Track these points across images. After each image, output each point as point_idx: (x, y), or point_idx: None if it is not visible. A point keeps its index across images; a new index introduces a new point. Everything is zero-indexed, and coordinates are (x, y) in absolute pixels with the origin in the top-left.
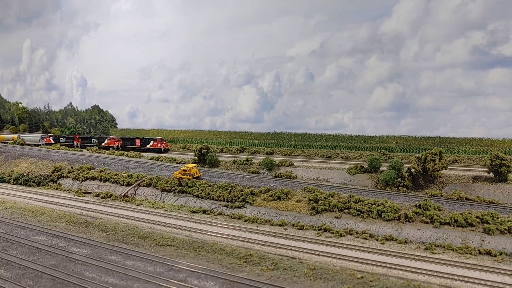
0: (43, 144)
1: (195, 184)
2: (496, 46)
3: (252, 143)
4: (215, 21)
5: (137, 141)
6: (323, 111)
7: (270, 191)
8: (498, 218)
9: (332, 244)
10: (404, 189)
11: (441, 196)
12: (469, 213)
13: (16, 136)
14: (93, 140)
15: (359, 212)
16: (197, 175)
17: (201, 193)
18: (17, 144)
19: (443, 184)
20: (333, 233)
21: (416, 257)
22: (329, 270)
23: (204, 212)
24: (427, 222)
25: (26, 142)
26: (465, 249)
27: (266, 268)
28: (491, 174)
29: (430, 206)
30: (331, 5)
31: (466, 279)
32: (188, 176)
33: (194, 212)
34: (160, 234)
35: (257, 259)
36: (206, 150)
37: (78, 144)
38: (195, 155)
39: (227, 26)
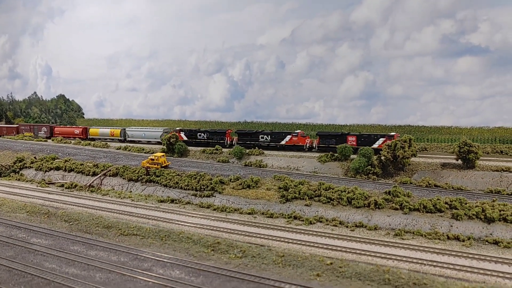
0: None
1: (163, 173)
2: (464, 35)
3: None
4: (183, 8)
5: (262, 136)
6: (294, 100)
7: (240, 180)
8: (466, 203)
9: (302, 231)
10: (374, 176)
11: (411, 183)
12: (438, 199)
13: (118, 130)
14: (262, 137)
15: (329, 200)
16: (165, 164)
17: (169, 182)
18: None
19: (413, 172)
20: (303, 220)
21: (385, 243)
22: (298, 257)
23: (172, 201)
24: (396, 209)
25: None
26: (434, 234)
27: (234, 256)
28: (460, 161)
29: (399, 192)
30: None
31: (434, 263)
32: (156, 165)
33: (162, 201)
34: (126, 224)
35: (225, 247)
36: (175, 139)
37: (234, 142)
38: (164, 145)
39: (196, 13)
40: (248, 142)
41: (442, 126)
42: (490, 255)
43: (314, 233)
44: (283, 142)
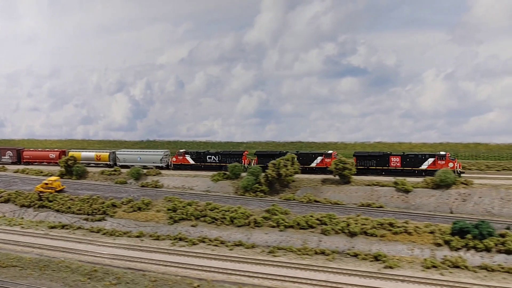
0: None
1: (57, 198)
2: (345, 57)
3: None
4: (84, 26)
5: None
6: (193, 119)
7: (132, 202)
8: (334, 219)
9: (183, 253)
10: (262, 194)
11: (294, 199)
12: (311, 216)
13: (106, 154)
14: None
15: (213, 220)
16: (59, 188)
17: (61, 207)
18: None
19: (296, 188)
20: (187, 241)
21: (258, 261)
22: (170, 280)
23: (63, 227)
24: (274, 226)
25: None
26: (304, 250)
27: (109, 283)
28: (337, 177)
29: (277, 210)
30: (197, 14)
31: (295, 279)
32: (50, 190)
33: (53, 227)
34: (6, 255)
35: (102, 274)
36: (73, 161)
37: (253, 165)
38: (62, 167)
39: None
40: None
41: (329, 142)
42: (348, 268)
43: (194, 254)
44: (313, 164)
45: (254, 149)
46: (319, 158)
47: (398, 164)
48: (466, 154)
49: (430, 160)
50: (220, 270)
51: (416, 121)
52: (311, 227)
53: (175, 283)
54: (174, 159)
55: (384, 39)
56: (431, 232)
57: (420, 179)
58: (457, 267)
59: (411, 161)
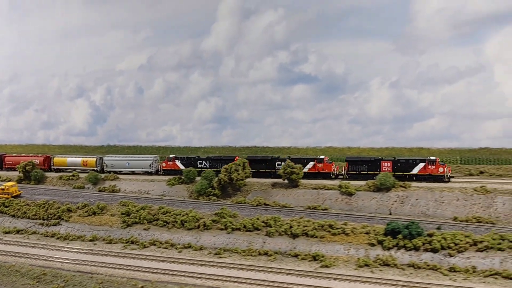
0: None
1: (12, 203)
2: (297, 65)
3: None
4: (44, 31)
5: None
6: (153, 124)
7: (87, 207)
8: (279, 221)
9: (133, 256)
10: (214, 197)
11: (245, 202)
12: (257, 219)
13: (93, 159)
14: (279, 164)
15: (165, 223)
16: (16, 194)
17: (17, 212)
18: None
19: (248, 192)
20: (138, 244)
21: (203, 263)
22: (116, 282)
23: (18, 232)
24: (222, 229)
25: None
26: (248, 251)
27: (57, 286)
28: (286, 181)
29: (225, 214)
30: (156, 21)
31: (236, 279)
32: (6, 195)
33: (7, 232)
34: None
35: (50, 277)
36: (31, 166)
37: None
38: (20, 172)
39: (57, 38)
40: (263, 170)
41: (283, 147)
42: (287, 268)
43: (144, 257)
44: (305, 170)
45: (211, 153)
46: (311, 163)
47: (390, 169)
48: None
49: (421, 165)
50: (166, 272)
51: (364, 127)
52: (257, 229)
53: (121, 284)
54: (163, 164)
55: (333, 48)
56: (367, 233)
57: (363, 183)
58: (387, 265)
59: (402, 166)
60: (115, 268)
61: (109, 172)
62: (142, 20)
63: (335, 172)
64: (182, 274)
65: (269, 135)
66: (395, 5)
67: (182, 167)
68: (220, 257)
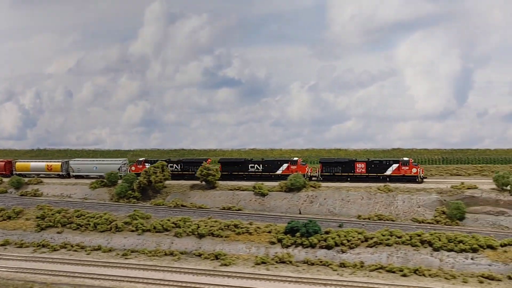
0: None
1: None
2: (222, 69)
3: None
4: None
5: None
6: (82, 128)
7: (3, 211)
8: (188, 222)
9: (40, 259)
10: (134, 200)
11: (163, 204)
12: (167, 220)
13: (58, 163)
14: (253, 166)
15: (79, 226)
16: None
17: None
18: None
19: (167, 194)
20: (49, 248)
21: (108, 264)
22: (12, 285)
23: None
24: (133, 231)
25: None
26: (155, 252)
27: None
28: (204, 183)
29: (138, 216)
30: (84, 25)
31: (133, 279)
32: None
33: None
34: None
35: None
36: None
37: None
38: None
39: None
40: (235, 173)
41: (209, 149)
42: (187, 267)
43: (50, 260)
44: (278, 172)
45: (141, 156)
46: (285, 165)
47: (364, 170)
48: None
49: (395, 166)
50: (68, 274)
51: (285, 129)
52: (167, 230)
53: (16, 287)
54: (133, 168)
55: (255, 52)
56: (269, 232)
57: (276, 183)
58: (283, 262)
59: (376, 167)
60: (17, 272)
61: (76, 177)
62: (70, 24)
63: (309, 174)
64: (83, 276)
65: (196, 137)
66: (312, 12)
67: None
68: (126, 258)
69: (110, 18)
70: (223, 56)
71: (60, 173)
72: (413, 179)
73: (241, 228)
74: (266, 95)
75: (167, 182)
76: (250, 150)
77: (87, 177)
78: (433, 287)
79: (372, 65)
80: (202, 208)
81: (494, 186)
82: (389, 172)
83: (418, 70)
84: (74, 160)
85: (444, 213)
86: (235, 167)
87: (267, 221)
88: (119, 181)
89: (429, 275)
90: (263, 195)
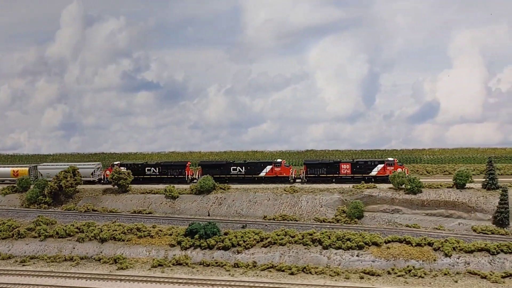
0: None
1: None
2: (140, 72)
3: None
4: None
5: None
6: (0, 132)
7: None
8: (91, 226)
9: None
10: (45, 205)
11: (75, 209)
12: (71, 225)
13: (25, 168)
14: (235, 169)
15: None
16: None
17: None
18: None
19: (80, 198)
20: None
21: (2, 272)
22: None
23: None
24: (35, 237)
25: None
26: (55, 257)
27: None
28: (116, 187)
29: (42, 221)
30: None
31: (24, 286)
32: None
33: None
34: None
35: None
36: None
37: (197, 176)
38: None
39: None
40: (217, 176)
41: (129, 153)
42: (81, 272)
43: None
44: (262, 174)
45: (61, 161)
46: (268, 167)
47: (349, 171)
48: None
49: (380, 166)
50: None
51: (203, 132)
52: (69, 235)
53: None
54: (108, 172)
55: (173, 56)
56: (171, 234)
57: (187, 186)
58: (180, 264)
59: (361, 168)
60: None
61: None
62: None
63: (293, 175)
64: None
65: (115, 141)
66: (228, 16)
67: None
68: (24, 265)
69: (26, 20)
70: (142, 59)
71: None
72: None
73: (144, 231)
74: (184, 98)
75: (80, 186)
76: (169, 153)
77: None
78: (315, 284)
79: (285, 69)
80: (113, 212)
81: (391, 186)
82: (374, 172)
83: (329, 74)
84: (43, 165)
85: (344, 212)
86: (216, 169)
87: (175, 224)
88: (32, 187)
89: (316, 272)
90: (174, 198)
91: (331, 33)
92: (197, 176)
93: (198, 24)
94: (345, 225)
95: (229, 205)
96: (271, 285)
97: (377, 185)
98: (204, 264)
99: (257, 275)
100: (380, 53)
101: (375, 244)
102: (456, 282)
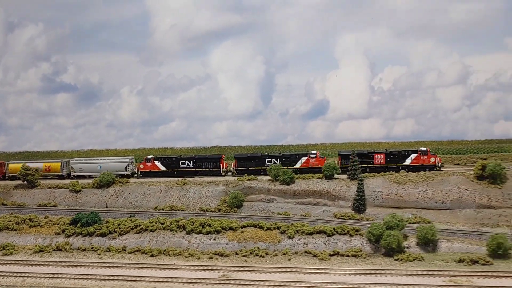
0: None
1: None
2: (59, 75)
3: None
4: None
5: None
6: None
7: None
8: None
9: None
10: None
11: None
12: None
13: (57, 163)
14: (270, 161)
15: None
16: None
17: None
18: None
19: None
20: None
21: None
22: None
23: None
24: None
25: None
26: None
27: None
28: (26, 182)
29: None
30: None
31: None
32: None
33: None
34: None
35: None
36: None
37: (233, 169)
38: None
39: None
40: (252, 168)
41: (51, 151)
42: None
43: None
44: (297, 165)
45: None
46: (304, 159)
47: (383, 161)
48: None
49: (413, 156)
50: None
51: (118, 131)
52: None
53: None
54: (141, 166)
55: (88, 59)
56: (58, 224)
57: (89, 181)
58: (60, 250)
59: (395, 158)
60: None
61: (77, 177)
62: None
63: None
64: None
65: (38, 140)
66: (137, 21)
67: (162, 168)
68: None
69: None
70: (60, 63)
71: (60, 173)
72: (431, 167)
73: (35, 221)
74: (100, 99)
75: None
76: (88, 151)
77: (90, 177)
78: (168, 263)
79: (190, 71)
80: (21, 206)
81: (270, 178)
82: (408, 162)
83: (229, 75)
84: (76, 160)
85: (225, 202)
86: (251, 162)
87: (72, 215)
88: None
89: (173, 254)
90: (77, 191)
91: (231, 37)
92: (232, 169)
93: (111, 28)
94: (224, 213)
95: (126, 198)
96: (126, 265)
97: (258, 177)
98: (81, 249)
99: (123, 258)
100: (275, 55)
101: (232, 229)
102: (289, 260)
